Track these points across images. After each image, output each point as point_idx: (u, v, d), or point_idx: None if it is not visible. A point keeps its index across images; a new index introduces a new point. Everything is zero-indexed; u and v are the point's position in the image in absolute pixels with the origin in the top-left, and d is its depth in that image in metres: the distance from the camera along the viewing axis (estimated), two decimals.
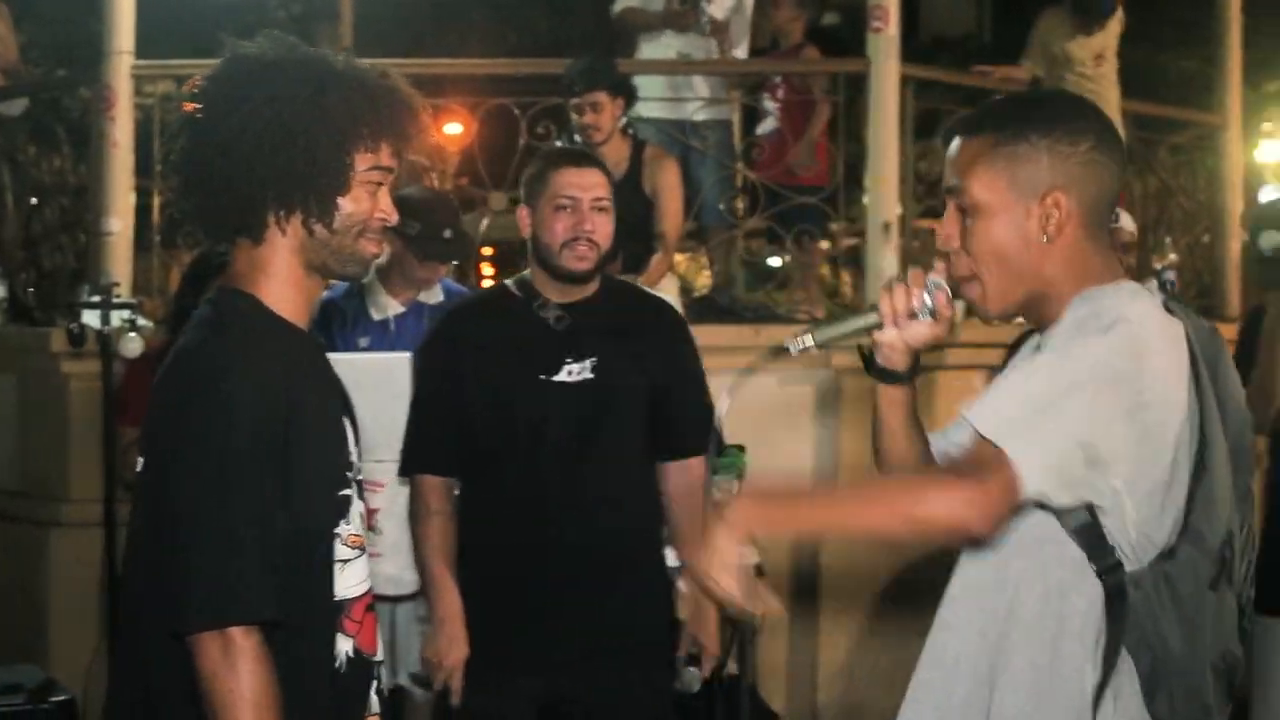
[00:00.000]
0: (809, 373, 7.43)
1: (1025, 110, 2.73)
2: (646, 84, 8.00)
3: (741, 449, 5.65)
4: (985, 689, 2.69)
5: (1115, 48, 8.76)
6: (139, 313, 5.74)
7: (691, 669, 4.40)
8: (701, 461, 4.57)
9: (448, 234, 5.52)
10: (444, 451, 4.44)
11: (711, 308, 7.83)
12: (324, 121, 2.71)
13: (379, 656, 2.89)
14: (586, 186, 4.41)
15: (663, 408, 4.50)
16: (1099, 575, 2.59)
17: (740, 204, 8.16)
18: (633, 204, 6.83)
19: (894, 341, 2.82)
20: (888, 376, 2.88)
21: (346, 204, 2.76)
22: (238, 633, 2.58)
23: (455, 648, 4.33)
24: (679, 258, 7.73)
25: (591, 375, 4.36)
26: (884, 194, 7.72)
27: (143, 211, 7.77)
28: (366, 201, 2.78)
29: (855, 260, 8.49)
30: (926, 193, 8.38)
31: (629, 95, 7.07)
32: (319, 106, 2.70)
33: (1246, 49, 10.42)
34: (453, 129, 9.20)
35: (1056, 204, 2.62)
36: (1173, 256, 9.22)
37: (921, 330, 2.78)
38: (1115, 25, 8.73)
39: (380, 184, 2.80)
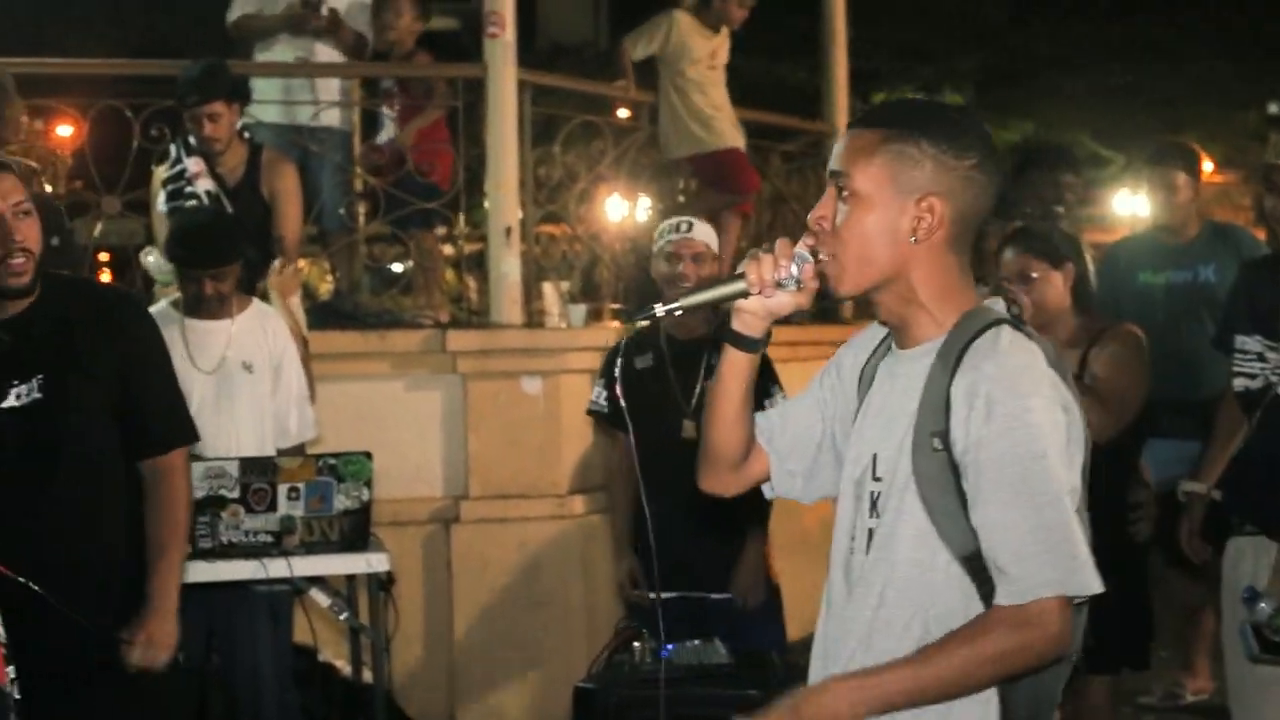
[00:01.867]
0: (435, 379, 7.42)
1: (920, 114, 2.80)
2: (263, 87, 7.87)
3: (368, 456, 5.61)
4: None
5: (726, 55, 8.97)
6: None
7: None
8: (180, 454, 4.34)
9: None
10: None
11: (335, 313, 7.75)
12: None
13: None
14: (1, 195, 4.11)
15: (127, 404, 4.25)
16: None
17: (361, 209, 8.09)
18: (251, 208, 6.72)
19: (756, 309, 2.86)
20: (742, 342, 2.90)
21: None
22: None
23: None
24: (300, 263, 7.62)
25: (40, 395, 4.11)
26: (505, 199, 7.76)
27: None
28: None
29: (480, 265, 8.51)
30: (547, 198, 8.44)
31: (245, 99, 6.94)
32: None
33: (855, 60, 10.77)
34: (64, 131, 8.91)
35: (931, 209, 2.71)
36: None
37: (785, 299, 2.84)
38: (726, 31, 8.94)
39: None
